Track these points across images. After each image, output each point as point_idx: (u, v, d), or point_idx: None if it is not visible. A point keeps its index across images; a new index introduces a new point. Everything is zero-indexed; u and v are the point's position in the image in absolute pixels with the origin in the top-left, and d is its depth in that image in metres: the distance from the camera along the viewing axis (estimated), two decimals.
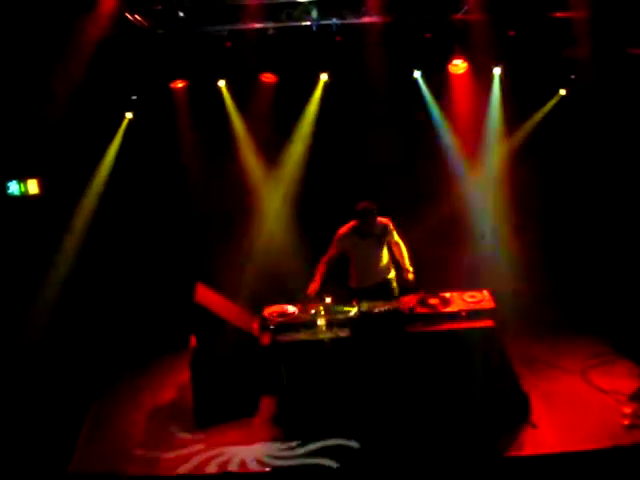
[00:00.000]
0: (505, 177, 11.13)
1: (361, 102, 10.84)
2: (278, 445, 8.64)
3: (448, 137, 11.09)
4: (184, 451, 8.62)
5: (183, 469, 8.37)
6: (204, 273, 9.99)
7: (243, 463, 8.38)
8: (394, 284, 9.58)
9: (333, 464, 8.29)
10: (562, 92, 10.87)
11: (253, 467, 8.34)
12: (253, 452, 8.54)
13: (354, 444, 8.51)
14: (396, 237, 9.46)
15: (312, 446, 8.55)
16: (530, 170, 11.01)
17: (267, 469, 8.32)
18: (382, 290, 9.42)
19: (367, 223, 9.17)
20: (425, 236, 10.58)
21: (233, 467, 8.32)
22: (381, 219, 9.28)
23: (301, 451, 8.52)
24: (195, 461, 8.46)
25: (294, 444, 8.61)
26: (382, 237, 9.37)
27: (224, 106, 10.82)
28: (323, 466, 8.30)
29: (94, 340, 10.41)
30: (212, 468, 8.34)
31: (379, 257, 9.43)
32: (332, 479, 8.26)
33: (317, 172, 11.11)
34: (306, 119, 10.94)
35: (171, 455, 8.59)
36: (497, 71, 10.78)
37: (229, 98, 10.80)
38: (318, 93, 10.79)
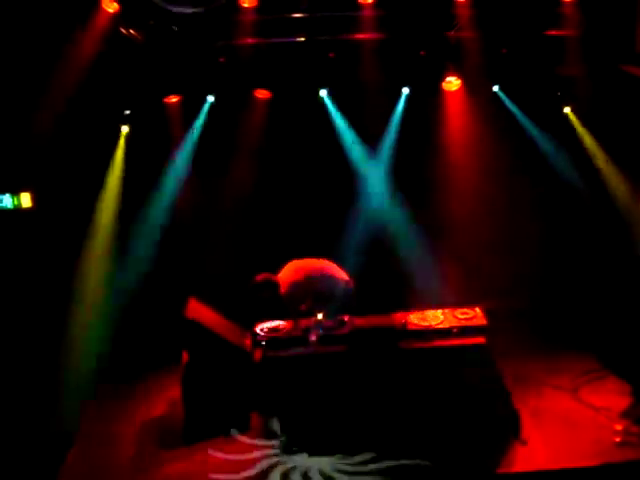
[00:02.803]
0: (497, 193, 11.14)
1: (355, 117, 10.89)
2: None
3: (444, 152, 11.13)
4: (172, 468, 8.55)
5: None
6: (199, 287, 10.00)
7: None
8: None
9: None
10: (567, 110, 10.92)
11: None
12: (240, 469, 8.47)
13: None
14: None
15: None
16: (522, 187, 11.08)
17: None
18: None
19: None
20: (416, 251, 10.65)
21: None
22: None
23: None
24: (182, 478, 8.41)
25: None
26: None
27: (217, 121, 10.82)
28: None
29: (87, 353, 10.39)
30: None
31: None
32: None
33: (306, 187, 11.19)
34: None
35: (159, 472, 8.51)
36: (495, 88, 10.85)
37: (222, 113, 10.81)
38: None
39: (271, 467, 8.44)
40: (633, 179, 10.56)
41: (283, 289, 9.22)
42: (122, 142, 10.67)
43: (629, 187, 10.68)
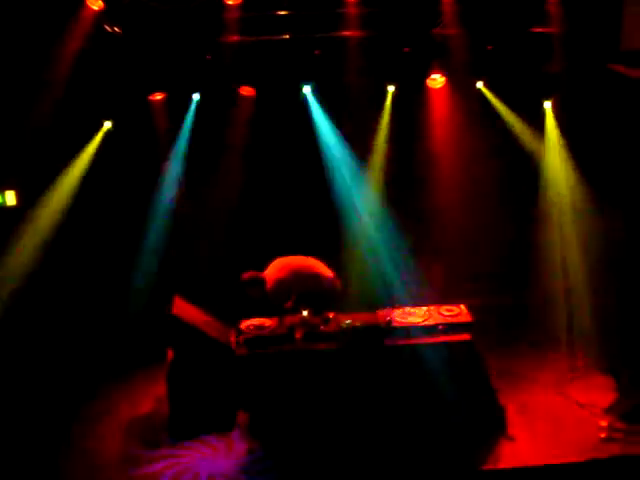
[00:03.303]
0: (483, 190, 11.14)
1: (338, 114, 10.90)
2: (251, 459, 8.63)
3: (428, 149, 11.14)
4: (158, 466, 8.55)
5: None
6: (185, 284, 9.99)
7: (212, 477, 8.35)
8: None
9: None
10: (547, 105, 10.91)
11: None
12: (225, 466, 8.50)
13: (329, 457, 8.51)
14: None
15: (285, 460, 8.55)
16: (508, 184, 11.10)
17: None
18: None
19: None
20: (401, 247, 10.66)
21: None
22: None
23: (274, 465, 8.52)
24: (167, 476, 8.39)
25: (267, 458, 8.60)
26: None
27: (203, 118, 10.81)
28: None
29: (72, 351, 10.41)
30: None
31: None
32: None
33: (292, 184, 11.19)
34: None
35: (144, 470, 8.50)
36: (479, 85, 10.85)
37: (207, 110, 10.79)
38: None
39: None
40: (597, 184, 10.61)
41: (269, 286, 9.21)
42: (100, 136, 10.63)
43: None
